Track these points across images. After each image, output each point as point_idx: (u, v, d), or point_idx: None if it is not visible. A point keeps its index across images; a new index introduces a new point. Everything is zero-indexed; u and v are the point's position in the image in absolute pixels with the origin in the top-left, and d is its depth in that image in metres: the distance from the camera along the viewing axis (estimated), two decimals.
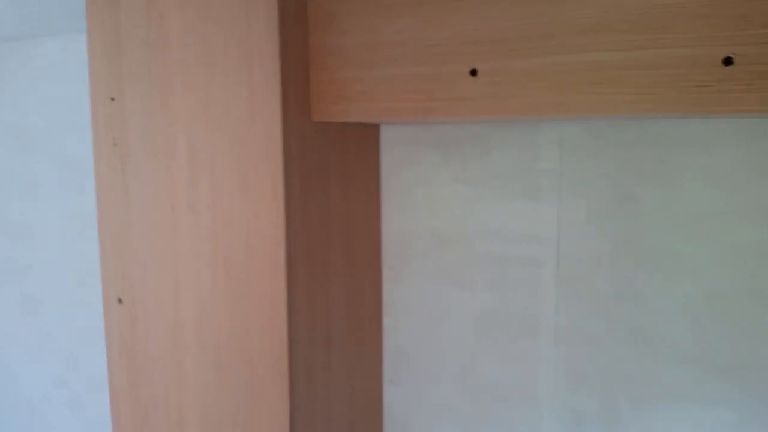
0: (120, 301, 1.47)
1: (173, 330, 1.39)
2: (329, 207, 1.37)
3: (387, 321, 1.59)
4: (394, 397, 1.59)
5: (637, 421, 1.31)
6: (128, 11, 1.31)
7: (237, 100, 1.23)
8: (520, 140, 1.37)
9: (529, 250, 1.39)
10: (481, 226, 1.43)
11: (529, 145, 1.37)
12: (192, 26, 1.25)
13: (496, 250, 1.43)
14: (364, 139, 1.49)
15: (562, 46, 1.02)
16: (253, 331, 1.29)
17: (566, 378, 1.38)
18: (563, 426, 1.39)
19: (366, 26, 1.17)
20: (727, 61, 0.92)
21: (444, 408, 1.53)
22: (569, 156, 1.33)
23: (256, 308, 1.28)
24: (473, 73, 1.10)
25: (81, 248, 2.13)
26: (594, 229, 1.32)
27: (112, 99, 1.36)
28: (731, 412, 1.23)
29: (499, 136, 1.40)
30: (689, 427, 1.27)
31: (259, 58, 1.19)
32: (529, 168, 1.37)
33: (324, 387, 1.38)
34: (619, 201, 1.30)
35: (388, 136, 1.52)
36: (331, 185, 1.37)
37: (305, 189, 1.28)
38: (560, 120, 1.32)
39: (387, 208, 1.54)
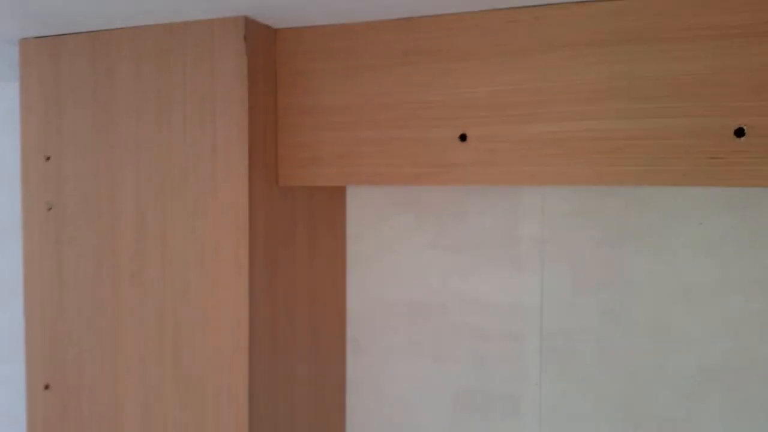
0: (47, 387, 1.26)
1: (112, 422, 1.20)
2: (295, 279, 1.24)
3: (351, 400, 1.44)
4: None
5: None
6: (71, 61, 1.16)
7: (197, 162, 1.10)
8: (500, 205, 1.30)
9: (511, 322, 1.30)
10: (459, 296, 1.33)
11: (510, 210, 1.29)
12: (146, 80, 1.11)
13: (475, 322, 1.33)
14: (331, 202, 1.37)
15: (564, 113, 0.95)
16: (207, 425, 1.13)
17: None
18: None
19: (343, 86, 1.08)
20: (739, 133, 0.87)
21: None
22: (552, 222, 1.26)
23: (212, 399, 1.12)
24: (463, 138, 1.01)
25: None
26: (579, 300, 1.25)
27: (48, 158, 1.19)
28: None
29: (478, 200, 1.31)
30: None
31: (225, 117, 1.07)
32: (510, 235, 1.29)
33: None
34: (606, 270, 1.23)
35: (356, 198, 1.41)
36: (297, 254, 1.24)
37: (270, 259, 1.15)
38: (542, 185, 1.25)
39: (354, 276, 1.42)
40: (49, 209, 1.20)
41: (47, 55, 1.17)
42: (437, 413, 1.36)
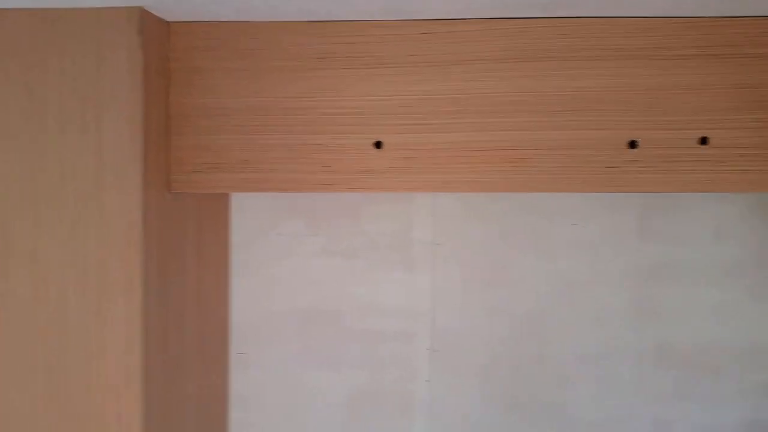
0: None
1: None
2: (185, 293, 1.15)
3: (237, 416, 1.37)
4: None
5: None
6: None
7: (76, 168, 0.96)
8: (393, 209, 1.31)
9: (403, 324, 1.33)
10: (352, 301, 1.33)
11: (402, 214, 1.31)
12: (12, 75, 0.95)
13: (368, 326, 1.33)
14: (216, 208, 1.29)
15: (476, 123, 0.99)
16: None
17: None
18: None
19: (250, 88, 1.01)
20: (632, 144, 0.97)
21: None
22: (444, 226, 1.31)
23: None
24: (378, 145, 1.01)
25: None
26: (468, 299, 1.31)
27: None
28: None
29: (371, 205, 1.32)
30: None
31: (113, 118, 0.95)
32: (403, 238, 1.31)
33: None
34: (492, 269, 1.30)
35: (241, 203, 1.34)
36: (186, 266, 1.15)
37: (163, 274, 1.05)
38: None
39: (240, 286, 1.35)
40: None
41: None
42: (329, 420, 1.35)
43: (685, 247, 1.26)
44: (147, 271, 0.99)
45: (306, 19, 0.99)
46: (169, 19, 1.01)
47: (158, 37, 0.99)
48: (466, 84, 0.99)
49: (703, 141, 0.97)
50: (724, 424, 1.27)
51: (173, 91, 1.03)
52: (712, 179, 0.97)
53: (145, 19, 0.94)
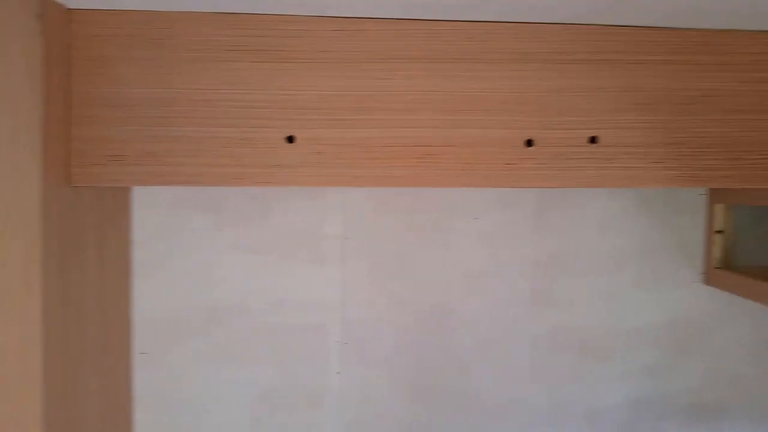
0: None
1: None
2: (85, 291, 1.10)
3: (140, 416, 1.33)
4: None
5: None
6: None
7: None
8: (304, 204, 1.32)
9: (313, 318, 1.34)
10: (262, 297, 1.33)
11: (313, 209, 1.32)
12: None
13: (278, 320, 1.33)
14: (117, 202, 1.25)
15: (385, 120, 1.02)
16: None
17: None
18: None
19: (157, 79, 0.99)
20: (529, 143, 1.04)
21: None
22: (353, 221, 1.33)
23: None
24: (290, 139, 1.02)
25: None
26: (377, 291, 1.34)
27: None
28: None
29: (280, 200, 1.32)
30: None
31: (10, 108, 0.90)
32: (313, 232, 1.33)
33: None
34: (399, 262, 1.34)
35: (143, 197, 1.30)
36: (87, 263, 1.11)
37: (64, 272, 1.01)
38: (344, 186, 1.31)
39: (144, 284, 1.31)
40: None
41: None
42: (240, 417, 1.34)
43: (575, 240, 1.35)
44: (46, 268, 0.95)
45: (216, 11, 0.98)
46: (70, 6, 0.97)
47: (59, 23, 0.95)
48: (377, 81, 1.02)
49: (593, 140, 1.05)
50: (613, 404, 1.38)
51: (75, 80, 0.99)
52: (601, 175, 1.05)
53: (44, 3, 0.90)
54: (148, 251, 1.30)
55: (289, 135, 1.01)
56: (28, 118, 0.90)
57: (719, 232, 1.34)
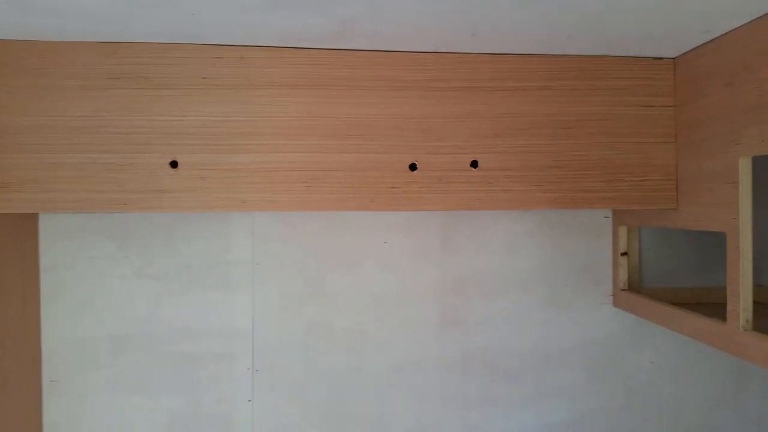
0: None
1: None
2: None
3: None
4: None
5: None
6: None
7: None
8: (210, 230, 1.33)
9: (222, 345, 1.34)
10: (169, 324, 1.32)
11: (220, 235, 1.33)
12: None
13: (187, 349, 1.33)
14: (20, 231, 1.25)
15: (268, 145, 1.04)
16: None
17: None
18: None
19: (37, 106, 1.00)
20: (413, 167, 1.06)
21: None
22: (261, 245, 1.34)
23: None
24: (174, 165, 1.03)
25: None
26: (287, 316, 1.35)
27: None
28: None
29: (186, 226, 1.33)
30: None
31: None
32: (220, 259, 1.33)
33: None
34: (309, 286, 1.35)
35: (49, 226, 1.30)
36: None
37: None
38: (251, 210, 1.32)
39: (49, 311, 1.31)
40: None
41: None
42: None
43: (482, 263, 1.37)
44: None
45: (96, 40, 1.00)
46: None
47: None
48: (259, 107, 1.04)
49: (474, 164, 1.07)
50: (525, 426, 1.38)
51: None
52: (481, 198, 1.07)
53: None
54: (54, 278, 1.30)
55: (172, 160, 1.03)
56: None
57: (624, 254, 1.35)
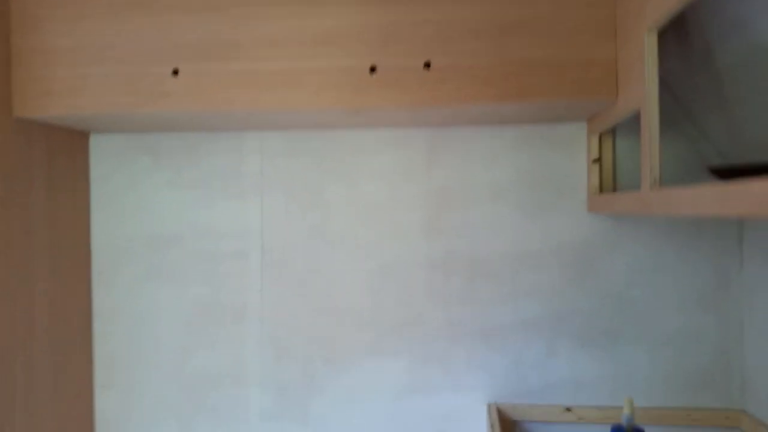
0: None
1: None
2: (32, 207, 1.37)
3: (98, 327, 1.59)
4: (107, 401, 1.59)
5: (331, 378, 1.54)
6: None
7: None
8: (227, 148, 1.55)
9: (237, 244, 1.56)
10: (194, 226, 1.56)
11: (235, 152, 1.55)
12: None
13: (208, 247, 1.56)
14: (74, 147, 1.52)
15: (254, 55, 1.23)
16: None
17: (271, 354, 1.55)
18: (269, 397, 1.55)
19: (73, 30, 1.26)
20: (372, 69, 1.22)
21: (159, 405, 1.58)
22: (269, 161, 1.55)
23: None
24: (175, 72, 1.25)
25: None
26: (291, 221, 1.55)
27: None
28: (402, 359, 1.52)
29: (208, 145, 1.56)
30: (372, 376, 1.53)
31: None
32: (235, 171, 1.55)
33: (26, 394, 1.34)
34: (310, 197, 1.54)
35: (98, 144, 1.58)
36: (34, 186, 1.38)
37: (4, 181, 1.28)
38: (261, 130, 1.54)
39: (97, 215, 1.58)
40: None
41: None
42: (176, 329, 1.57)
43: (463, 173, 1.50)
44: None
45: None
46: None
47: None
48: (244, 23, 1.24)
49: (427, 65, 1.22)
50: (506, 323, 1.51)
51: (14, 31, 1.27)
52: (435, 96, 1.21)
53: None
54: (101, 187, 1.57)
55: (174, 68, 1.25)
56: None
57: (596, 161, 1.44)
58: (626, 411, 0.96)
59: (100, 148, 1.58)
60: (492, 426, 1.38)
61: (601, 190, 1.44)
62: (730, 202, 0.67)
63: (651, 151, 1.00)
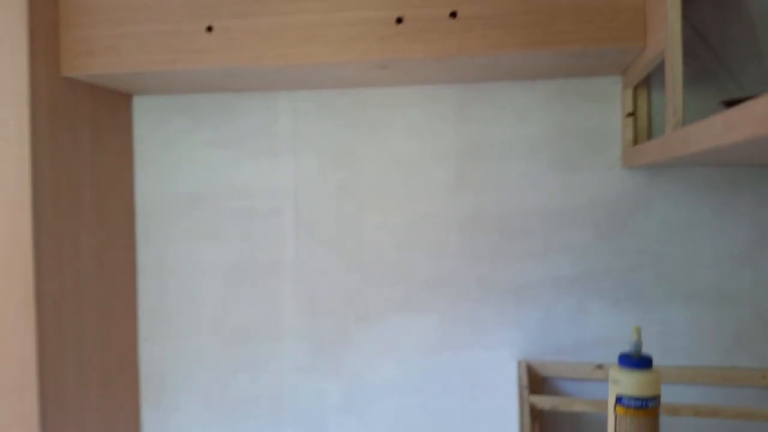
0: None
1: None
2: (79, 163, 1.44)
3: (141, 281, 1.67)
4: (150, 353, 1.67)
5: (363, 334, 1.57)
6: None
7: None
8: (261, 107, 1.59)
9: (271, 202, 1.60)
10: (230, 185, 1.61)
11: (269, 110, 1.59)
12: None
13: (243, 205, 1.61)
14: (117, 107, 1.59)
15: (282, 9, 1.26)
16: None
17: (305, 309, 1.59)
18: (304, 349, 1.59)
19: None
20: (399, 20, 1.23)
21: (198, 356, 1.64)
22: (302, 119, 1.58)
23: (3, 250, 1.30)
24: (209, 29, 1.29)
25: None
26: (324, 179, 1.58)
27: None
28: (432, 316, 1.54)
29: (244, 104, 1.60)
30: (401, 332, 1.55)
31: (5, 13, 1.26)
32: (269, 131, 1.59)
33: (75, 344, 1.42)
34: (342, 155, 1.57)
35: (141, 106, 1.64)
36: (81, 143, 1.45)
37: (53, 136, 1.35)
38: (293, 90, 1.57)
39: (141, 174, 1.65)
40: None
41: None
42: (213, 283, 1.63)
43: (494, 129, 1.50)
44: (36, 130, 1.29)
45: None
46: None
47: None
48: None
49: (453, 15, 1.22)
50: (533, 279, 1.50)
51: None
52: (461, 46, 1.22)
53: None
54: (144, 148, 1.64)
55: (208, 25, 1.29)
56: (17, 23, 1.25)
57: (630, 114, 1.42)
58: (634, 338, 0.96)
59: (142, 110, 1.64)
60: (521, 382, 1.38)
61: (636, 144, 1.42)
62: (737, 126, 0.66)
63: (674, 94, 0.99)
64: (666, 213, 1.45)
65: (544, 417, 1.50)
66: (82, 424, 1.43)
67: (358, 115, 1.56)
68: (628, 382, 0.94)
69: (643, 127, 1.42)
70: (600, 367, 1.46)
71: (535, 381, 1.49)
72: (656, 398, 0.95)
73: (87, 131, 1.46)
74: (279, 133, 1.59)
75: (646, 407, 0.93)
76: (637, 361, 0.96)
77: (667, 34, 1.00)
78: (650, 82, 1.40)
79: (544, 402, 1.32)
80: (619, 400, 0.95)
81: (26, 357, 1.30)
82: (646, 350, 1.46)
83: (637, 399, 0.93)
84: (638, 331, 0.96)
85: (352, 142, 1.56)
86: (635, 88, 1.41)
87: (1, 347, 1.30)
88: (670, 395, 1.44)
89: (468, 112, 1.51)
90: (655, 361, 1.46)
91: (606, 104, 1.46)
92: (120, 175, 1.60)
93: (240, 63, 1.29)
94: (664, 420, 1.44)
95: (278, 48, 1.27)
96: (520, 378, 1.42)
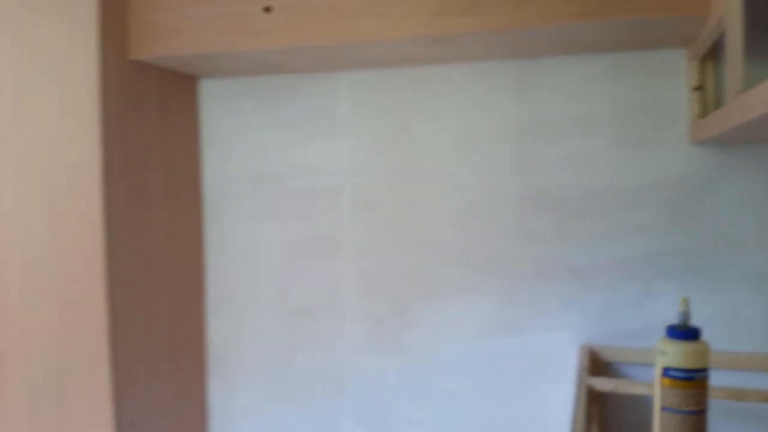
0: None
1: None
2: (148, 142, 1.52)
3: (209, 259, 1.73)
4: (216, 329, 1.73)
5: (421, 314, 1.57)
6: None
7: (58, 35, 1.36)
8: (322, 88, 1.62)
9: (331, 182, 1.63)
10: (292, 165, 1.65)
11: (329, 92, 1.62)
12: None
13: (305, 185, 1.65)
14: (184, 90, 1.66)
15: None
16: (72, 253, 1.38)
17: (364, 288, 1.61)
18: (364, 328, 1.62)
19: None
20: None
21: (262, 332, 1.70)
22: (360, 100, 1.60)
23: (76, 228, 1.38)
24: (267, 9, 1.33)
25: None
26: (381, 159, 1.59)
27: None
28: (491, 297, 1.53)
29: (305, 86, 1.63)
30: (460, 313, 1.55)
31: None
32: (328, 112, 1.62)
33: (144, 319, 1.49)
34: (399, 134, 1.58)
35: (207, 88, 1.70)
36: (149, 124, 1.52)
37: (122, 117, 1.42)
38: (352, 70, 1.59)
39: (208, 154, 1.72)
40: None
41: None
42: (278, 261, 1.68)
43: (555, 105, 1.47)
44: (107, 111, 1.37)
45: None
46: None
47: None
48: None
49: None
50: (596, 261, 1.46)
51: None
52: (516, 18, 1.20)
53: None
54: (211, 129, 1.70)
55: (266, 6, 1.33)
56: (87, 8, 1.33)
57: (698, 88, 1.35)
58: (682, 309, 0.92)
59: (209, 93, 1.71)
60: (581, 364, 1.35)
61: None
62: None
63: (735, 63, 0.93)
64: (737, 192, 1.37)
65: (606, 401, 1.46)
66: (150, 396, 1.51)
67: (415, 94, 1.56)
68: (676, 354, 0.91)
69: (711, 102, 1.35)
70: None
71: (599, 366, 1.45)
72: (704, 371, 0.90)
73: (155, 113, 1.54)
74: (339, 113, 1.62)
75: (693, 380, 0.89)
76: (684, 332, 0.92)
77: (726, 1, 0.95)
78: (718, 54, 1.33)
79: (603, 384, 1.28)
80: (665, 371, 0.91)
81: (98, 329, 1.38)
82: (714, 335, 1.39)
83: (684, 371, 0.89)
84: (686, 302, 0.92)
85: (410, 122, 1.57)
86: (702, 61, 1.34)
87: (75, 321, 1.39)
88: (739, 382, 1.37)
89: (527, 88, 1.49)
90: (725, 347, 1.39)
91: (672, 78, 1.40)
92: (187, 155, 1.67)
93: (298, 42, 1.32)
94: (729, 405, 1.37)
95: (335, 25, 1.29)
96: (580, 360, 1.38)
